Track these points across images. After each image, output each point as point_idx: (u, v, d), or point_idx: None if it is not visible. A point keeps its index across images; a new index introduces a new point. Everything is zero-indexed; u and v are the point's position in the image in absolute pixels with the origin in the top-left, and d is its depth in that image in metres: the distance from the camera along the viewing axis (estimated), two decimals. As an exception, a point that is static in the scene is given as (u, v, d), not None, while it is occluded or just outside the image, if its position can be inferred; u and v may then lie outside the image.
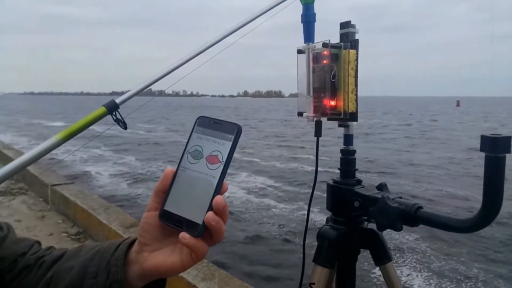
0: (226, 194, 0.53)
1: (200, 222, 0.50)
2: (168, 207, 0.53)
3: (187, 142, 0.54)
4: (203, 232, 0.50)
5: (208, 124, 0.54)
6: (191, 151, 0.53)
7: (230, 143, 0.51)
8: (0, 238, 0.63)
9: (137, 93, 0.73)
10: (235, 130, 0.52)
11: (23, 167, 0.65)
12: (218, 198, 0.50)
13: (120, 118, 0.74)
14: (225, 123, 0.53)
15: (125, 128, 0.74)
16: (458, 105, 65.42)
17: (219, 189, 0.51)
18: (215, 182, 0.51)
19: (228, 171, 0.51)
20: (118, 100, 0.71)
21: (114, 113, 0.72)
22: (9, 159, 7.49)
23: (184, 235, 0.50)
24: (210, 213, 0.49)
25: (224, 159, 0.51)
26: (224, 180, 0.51)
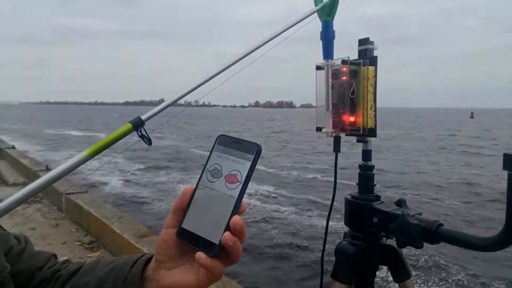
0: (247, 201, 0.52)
1: (217, 242, 0.50)
2: (186, 225, 0.53)
3: (207, 161, 0.54)
4: (220, 252, 0.50)
5: (228, 143, 0.54)
6: (210, 170, 0.53)
7: (250, 163, 0.51)
8: (18, 251, 0.63)
9: (162, 110, 0.75)
10: (254, 150, 0.52)
11: (52, 182, 0.66)
12: (236, 218, 0.49)
13: (145, 134, 0.75)
14: (245, 143, 0.53)
15: (150, 144, 0.75)
16: (472, 116, 64.59)
17: (237, 209, 0.50)
18: (233, 201, 0.50)
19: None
20: (143, 117, 0.73)
21: (139, 129, 0.73)
22: (25, 168, 7.61)
23: (200, 255, 0.49)
24: (227, 233, 0.49)
25: (243, 179, 0.51)
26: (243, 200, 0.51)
